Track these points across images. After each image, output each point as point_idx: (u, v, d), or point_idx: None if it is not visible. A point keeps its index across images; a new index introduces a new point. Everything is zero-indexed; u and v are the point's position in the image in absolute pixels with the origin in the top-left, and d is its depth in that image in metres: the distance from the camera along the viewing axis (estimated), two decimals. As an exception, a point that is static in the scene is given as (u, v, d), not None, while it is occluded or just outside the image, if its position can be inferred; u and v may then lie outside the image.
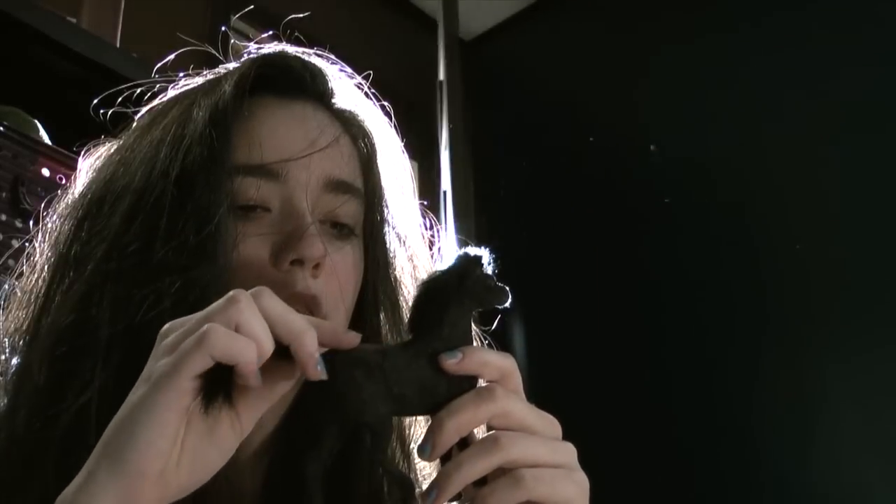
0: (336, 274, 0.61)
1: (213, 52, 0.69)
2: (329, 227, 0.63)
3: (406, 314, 0.66)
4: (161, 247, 0.56)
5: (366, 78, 0.73)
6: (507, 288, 0.50)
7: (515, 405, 0.48)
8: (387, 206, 0.68)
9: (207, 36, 0.71)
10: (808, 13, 2.11)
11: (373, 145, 0.68)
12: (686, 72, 2.40)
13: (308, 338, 0.46)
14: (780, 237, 2.16)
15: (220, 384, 0.46)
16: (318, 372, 0.46)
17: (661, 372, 2.25)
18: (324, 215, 0.63)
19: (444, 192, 2.37)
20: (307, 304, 0.58)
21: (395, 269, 0.68)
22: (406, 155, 0.73)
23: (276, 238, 0.59)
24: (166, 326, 0.47)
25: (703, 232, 2.32)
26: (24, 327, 0.60)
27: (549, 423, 0.50)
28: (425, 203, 0.73)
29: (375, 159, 0.68)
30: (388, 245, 0.68)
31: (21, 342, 0.59)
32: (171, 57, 0.73)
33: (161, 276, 0.55)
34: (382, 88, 0.75)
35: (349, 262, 0.63)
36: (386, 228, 0.68)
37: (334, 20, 2.71)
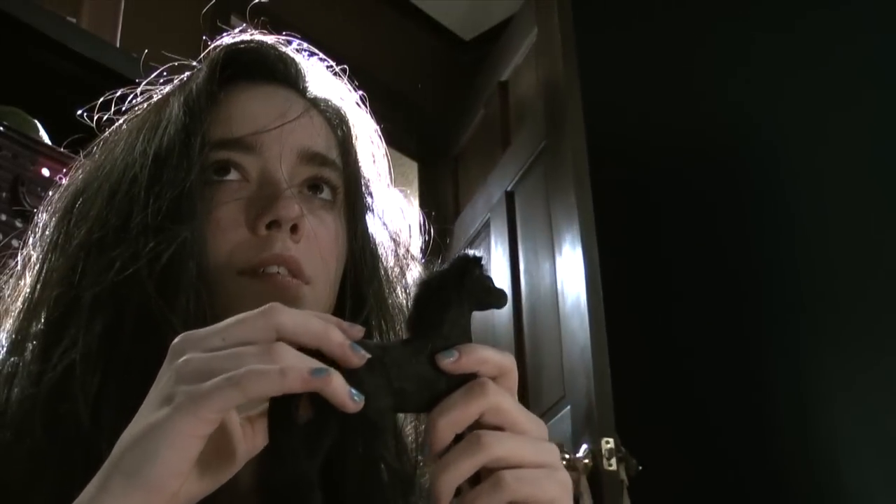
0: (317, 241, 0.62)
1: (195, 63, 0.70)
2: (307, 197, 0.64)
3: (389, 292, 0.67)
4: (138, 214, 0.58)
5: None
6: (504, 290, 0.51)
7: (506, 401, 0.48)
8: (366, 185, 0.69)
9: (206, 36, 0.71)
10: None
11: (347, 125, 0.70)
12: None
13: (334, 332, 0.45)
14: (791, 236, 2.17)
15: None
16: (360, 355, 0.45)
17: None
18: (301, 184, 0.64)
19: (507, 192, 2.37)
20: (288, 266, 0.59)
21: (377, 247, 0.69)
22: (382, 141, 0.74)
23: (254, 204, 0.60)
24: (179, 340, 0.46)
25: (700, 226, 2.33)
26: (18, 314, 0.62)
27: (536, 424, 0.49)
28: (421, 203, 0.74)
29: (351, 139, 0.69)
30: (369, 222, 0.69)
31: (15, 326, 0.61)
32: (162, 69, 0.74)
33: (137, 239, 0.57)
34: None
35: (331, 231, 0.64)
36: (367, 205, 0.69)
37: (337, 23, 2.71)
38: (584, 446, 1.79)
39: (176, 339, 0.46)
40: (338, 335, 0.45)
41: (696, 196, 2.39)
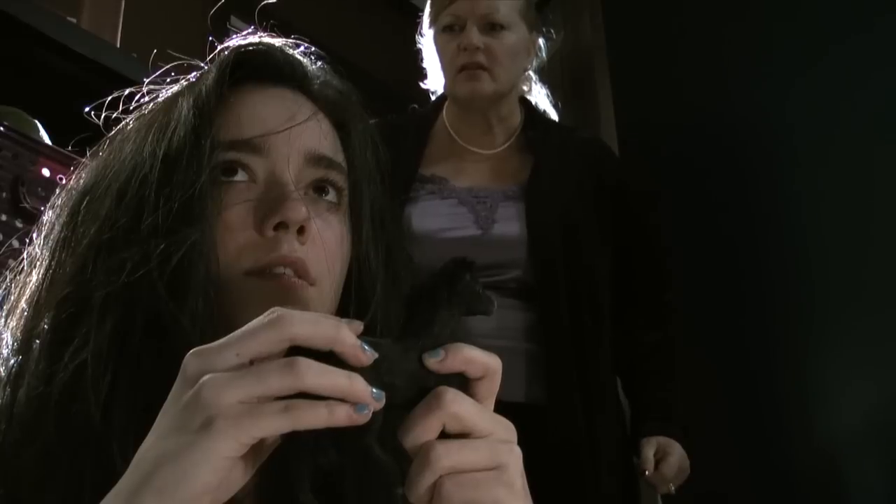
0: (322, 242, 0.63)
1: (203, 64, 0.70)
2: (313, 199, 0.65)
3: (392, 294, 0.68)
4: (148, 215, 0.59)
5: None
6: (492, 297, 0.52)
7: (464, 408, 0.48)
8: (371, 188, 0.70)
9: (207, 36, 0.72)
10: None
11: (354, 128, 0.70)
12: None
13: (345, 334, 0.47)
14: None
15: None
16: (370, 354, 0.47)
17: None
18: (307, 186, 0.65)
19: None
20: (294, 267, 0.60)
21: (380, 250, 0.69)
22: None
23: (261, 206, 0.61)
24: (191, 358, 0.46)
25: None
26: (25, 312, 0.62)
27: (500, 425, 0.50)
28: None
29: (357, 142, 0.70)
30: (373, 225, 0.70)
31: (21, 325, 0.61)
32: (167, 67, 0.74)
33: (148, 240, 0.58)
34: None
35: (336, 233, 0.65)
36: (371, 208, 0.70)
37: (342, 25, 2.72)
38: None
39: (187, 357, 0.46)
40: (349, 336, 0.46)
41: (729, 202, 2.26)
